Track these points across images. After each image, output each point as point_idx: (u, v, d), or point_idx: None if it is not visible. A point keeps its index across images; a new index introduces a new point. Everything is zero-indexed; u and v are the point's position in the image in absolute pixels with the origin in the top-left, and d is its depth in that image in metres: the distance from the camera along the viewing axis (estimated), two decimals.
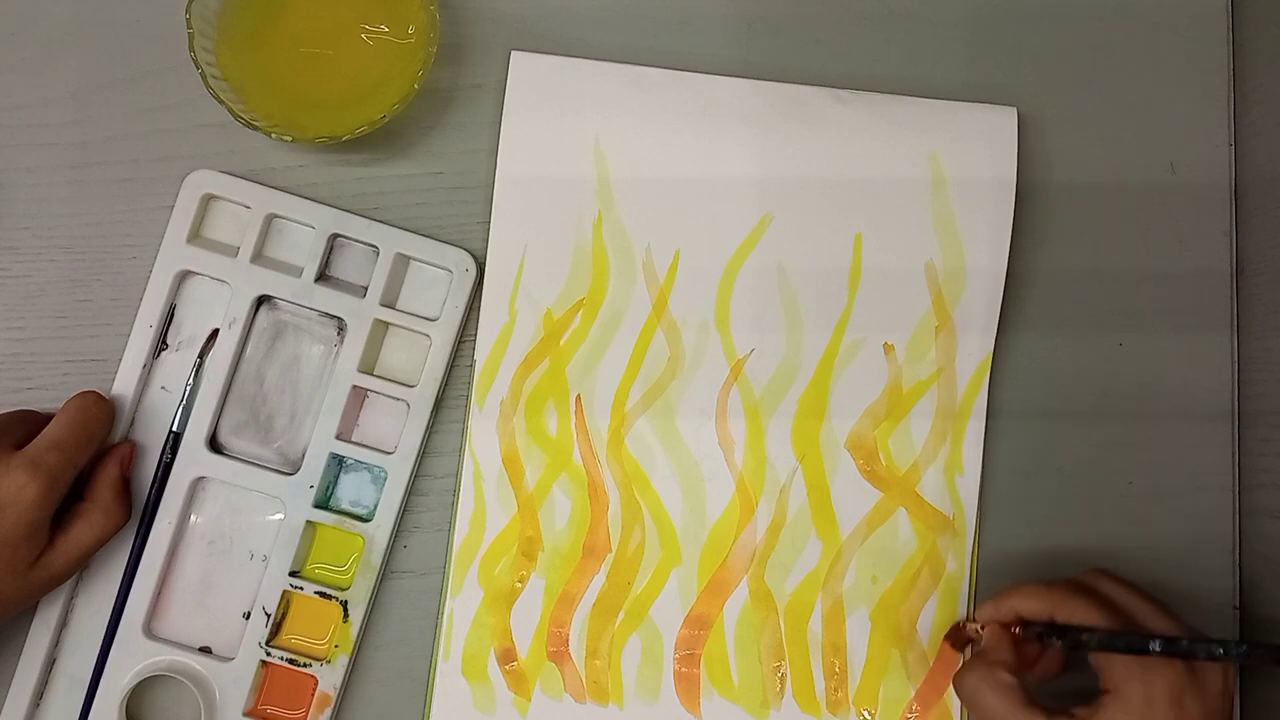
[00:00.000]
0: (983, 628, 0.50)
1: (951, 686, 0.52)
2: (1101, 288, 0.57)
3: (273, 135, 0.51)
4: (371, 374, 0.54)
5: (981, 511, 0.55)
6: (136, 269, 0.54)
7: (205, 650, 0.53)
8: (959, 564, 0.55)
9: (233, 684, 0.52)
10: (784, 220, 0.55)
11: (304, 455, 0.53)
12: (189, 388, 0.53)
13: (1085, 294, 0.57)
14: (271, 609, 0.52)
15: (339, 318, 0.54)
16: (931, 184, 0.56)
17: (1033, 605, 0.48)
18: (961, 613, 0.54)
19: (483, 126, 0.56)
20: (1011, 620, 0.49)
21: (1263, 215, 0.57)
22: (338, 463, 0.54)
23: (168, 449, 0.53)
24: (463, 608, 0.53)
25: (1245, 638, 0.43)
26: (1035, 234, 0.57)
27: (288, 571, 0.52)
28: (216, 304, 0.54)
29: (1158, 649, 0.43)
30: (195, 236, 0.54)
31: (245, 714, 0.52)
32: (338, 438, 0.53)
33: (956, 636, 0.53)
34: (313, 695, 0.52)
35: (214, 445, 0.53)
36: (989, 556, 0.55)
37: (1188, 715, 0.44)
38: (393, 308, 0.54)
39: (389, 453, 0.53)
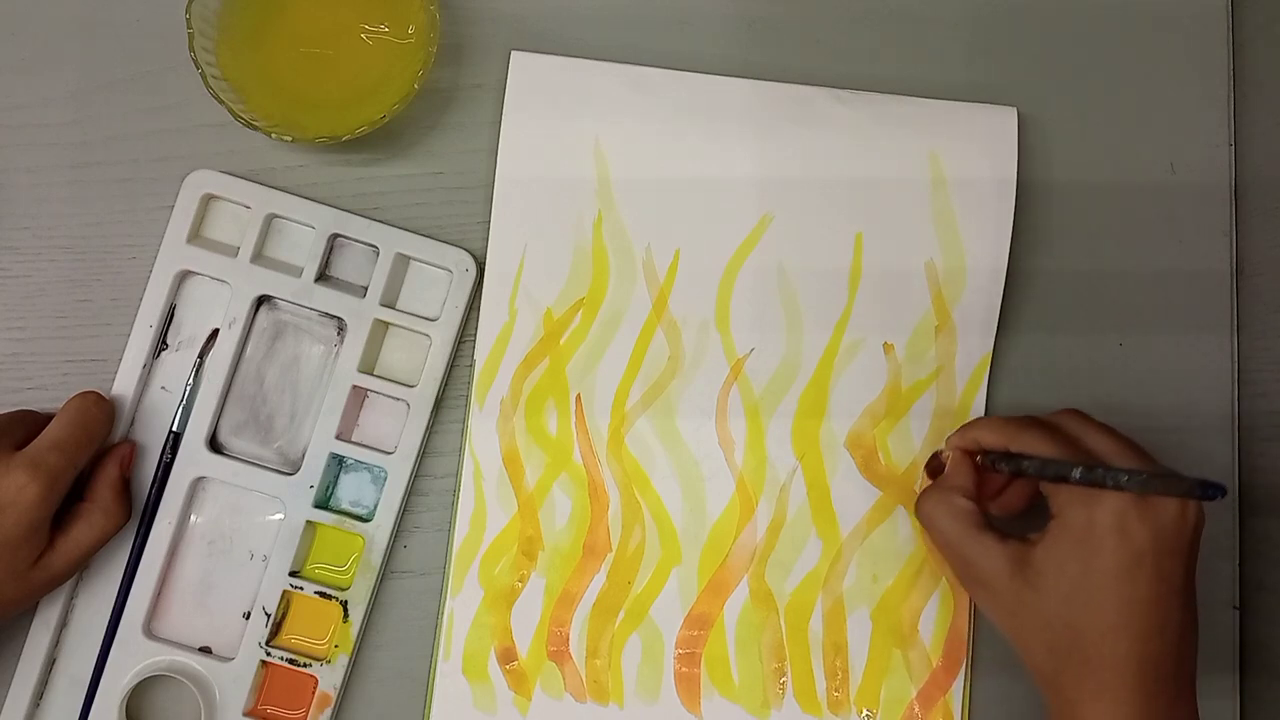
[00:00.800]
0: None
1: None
2: (1101, 288, 0.57)
3: (273, 135, 0.51)
4: (371, 374, 0.54)
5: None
6: (136, 269, 0.54)
7: (205, 650, 0.53)
8: None
9: (233, 684, 0.52)
10: (784, 220, 0.55)
11: (304, 455, 0.53)
12: (189, 388, 0.53)
13: (1085, 294, 0.57)
14: (271, 609, 0.52)
15: (339, 318, 0.54)
16: (931, 184, 0.56)
17: (992, 436, 0.49)
18: (962, 614, 0.54)
19: (483, 126, 0.56)
20: (974, 449, 0.50)
21: (1263, 215, 0.57)
22: (338, 463, 0.54)
23: (168, 449, 0.53)
24: (463, 607, 0.53)
25: (1147, 470, 0.42)
26: (1035, 234, 0.57)
27: (288, 571, 0.52)
28: (216, 304, 0.54)
29: (1077, 477, 0.43)
30: (195, 236, 0.54)
31: (245, 714, 0.52)
32: (338, 438, 0.53)
33: (934, 464, 0.54)
34: (313, 695, 0.52)
35: (214, 445, 0.53)
36: None
37: (1132, 540, 0.42)
38: (393, 308, 0.54)
39: (389, 453, 0.53)
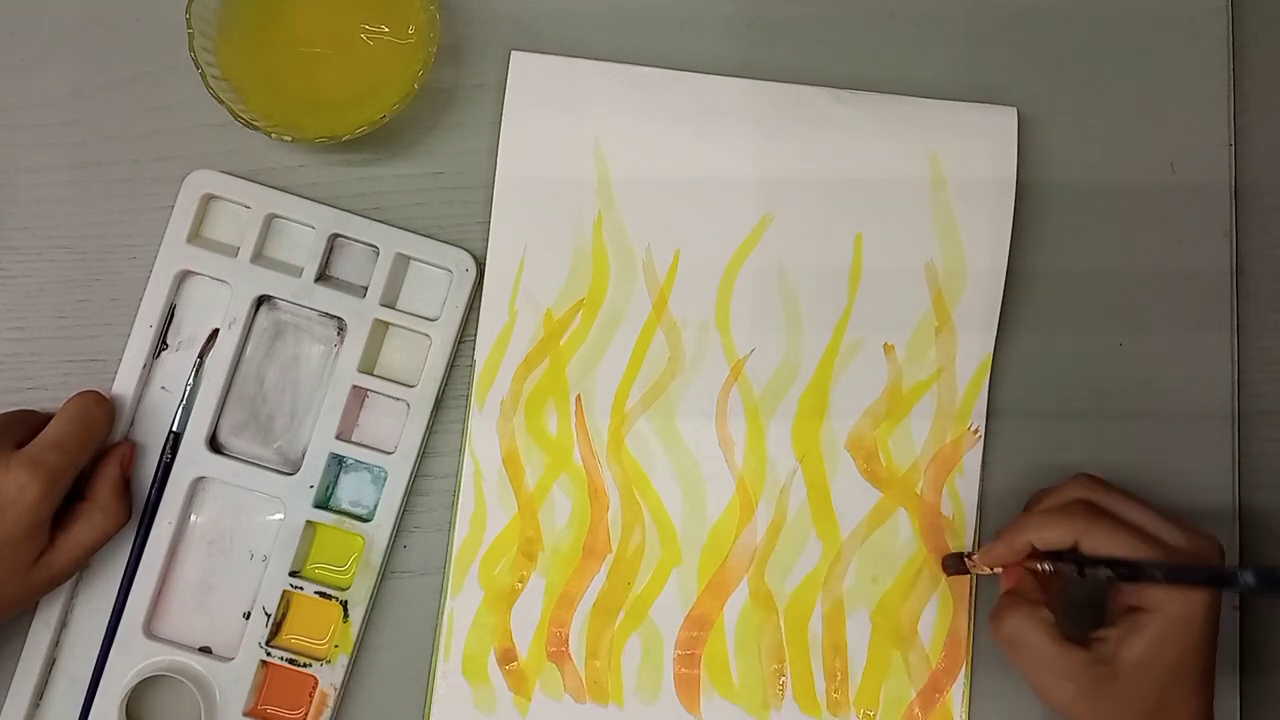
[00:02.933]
0: (993, 569, 0.50)
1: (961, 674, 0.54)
2: (1101, 288, 0.57)
3: (273, 135, 0.51)
4: (371, 374, 0.54)
5: (981, 511, 0.55)
6: (136, 269, 0.54)
7: (205, 650, 0.53)
8: None
9: (233, 684, 0.52)
10: (784, 220, 0.55)
11: (304, 455, 0.53)
12: (189, 388, 0.53)
13: (1085, 294, 0.57)
14: (271, 609, 0.52)
15: (339, 318, 0.54)
16: (931, 184, 0.56)
17: (1052, 536, 0.48)
18: (962, 615, 0.54)
19: (483, 126, 0.56)
20: (1028, 554, 0.49)
21: (1263, 215, 0.57)
22: (338, 463, 0.54)
23: (168, 449, 0.53)
24: (463, 608, 0.53)
25: (1268, 568, 0.44)
26: (1035, 234, 0.57)
27: (288, 571, 0.52)
28: (216, 304, 0.54)
29: (1251, 582, 0.43)
30: (195, 236, 0.54)
31: (245, 714, 0.52)
32: (338, 438, 0.53)
33: (954, 564, 0.53)
34: (313, 695, 0.52)
35: (214, 445, 0.53)
36: None
37: (1213, 624, 0.46)
38: (393, 308, 0.54)
39: (389, 453, 0.53)
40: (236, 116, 0.50)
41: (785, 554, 0.54)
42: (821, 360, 0.55)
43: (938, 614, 0.54)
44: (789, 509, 0.55)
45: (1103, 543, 0.46)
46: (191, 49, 0.50)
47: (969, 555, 0.52)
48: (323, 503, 0.53)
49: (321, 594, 0.52)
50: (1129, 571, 0.45)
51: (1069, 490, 0.50)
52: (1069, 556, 0.47)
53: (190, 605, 0.53)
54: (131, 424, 0.53)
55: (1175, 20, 0.59)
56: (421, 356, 0.54)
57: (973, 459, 0.55)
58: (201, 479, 0.53)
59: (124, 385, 0.53)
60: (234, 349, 0.53)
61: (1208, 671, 0.46)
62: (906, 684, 0.54)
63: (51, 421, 0.50)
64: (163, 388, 0.54)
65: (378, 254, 0.54)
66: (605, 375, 0.55)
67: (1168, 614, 0.45)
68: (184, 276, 0.54)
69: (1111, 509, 0.48)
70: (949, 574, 0.54)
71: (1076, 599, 0.50)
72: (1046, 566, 0.48)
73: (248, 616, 0.53)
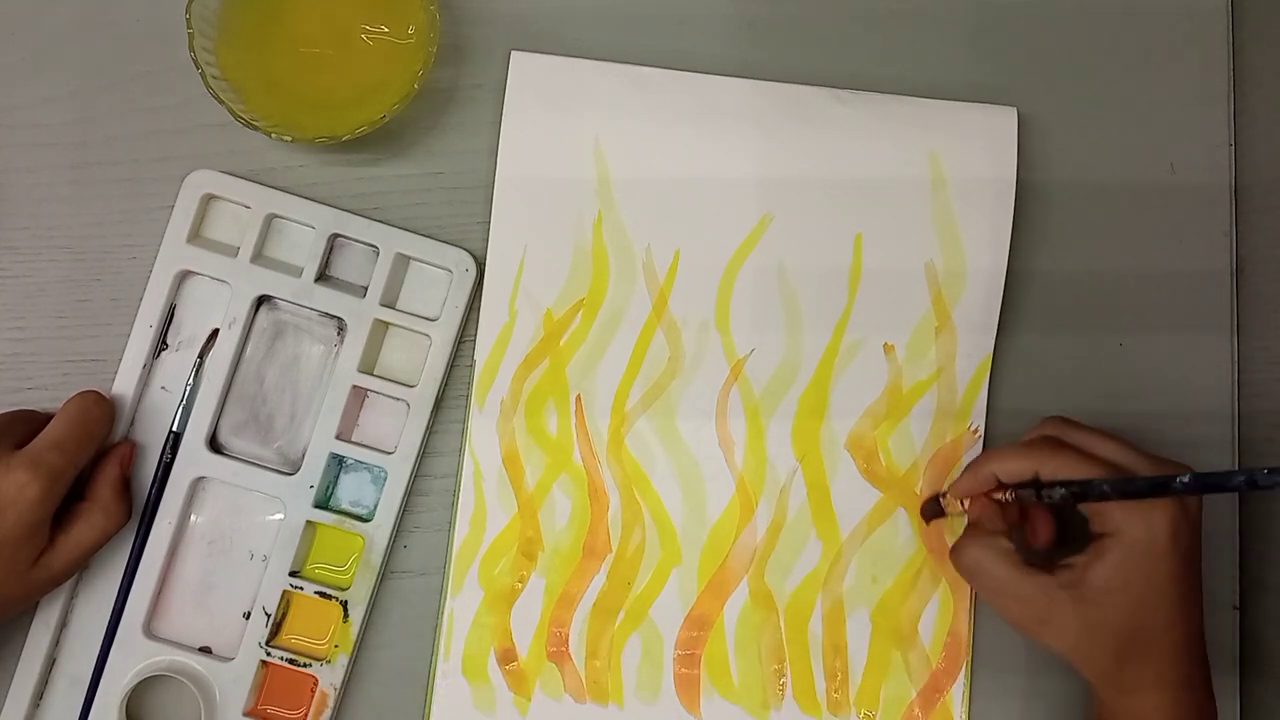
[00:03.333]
0: (964, 502, 0.51)
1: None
2: (1101, 288, 0.57)
3: (273, 135, 0.51)
4: (371, 374, 0.54)
5: None
6: (136, 269, 0.54)
7: (205, 650, 0.53)
8: None
9: (233, 684, 0.52)
10: (784, 220, 0.55)
11: (304, 455, 0.53)
12: (189, 388, 0.53)
13: (1085, 294, 0.57)
14: (271, 609, 0.52)
15: (339, 318, 0.54)
16: (931, 184, 0.56)
17: (1014, 466, 0.49)
18: (962, 615, 0.54)
19: (483, 126, 0.56)
20: (992, 487, 0.50)
21: (1263, 215, 0.57)
22: (338, 463, 0.54)
23: (168, 449, 0.53)
24: (463, 608, 0.53)
25: (1193, 472, 0.44)
26: (1035, 234, 0.57)
27: (288, 571, 0.52)
28: (216, 304, 0.54)
29: (1182, 485, 0.44)
30: (195, 236, 0.54)
31: (245, 714, 0.52)
32: (338, 438, 0.53)
33: (932, 508, 0.53)
34: (313, 695, 0.52)
35: (214, 445, 0.53)
36: None
37: (1181, 545, 0.45)
38: (393, 308, 0.54)
39: (389, 453, 0.53)
40: (236, 116, 0.50)
41: (785, 554, 0.54)
42: (821, 360, 0.55)
43: (938, 614, 0.54)
44: (789, 509, 0.55)
45: (1061, 470, 0.47)
46: (191, 49, 0.50)
47: (942, 495, 0.52)
48: (323, 503, 0.53)
49: (321, 594, 0.52)
50: (1080, 490, 0.46)
51: (1038, 429, 0.50)
52: (1029, 485, 0.48)
53: (190, 605, 0.53)
54: (131, 424, 0.53)
55: (1175, 20, 0.59)
56: (421, 356, 0.54)
57: (972, 459, 0.55)
58: (201, 479, 0.53)
59: (124, 385, 0.53)
60: (234, 349, 0.53)
61: (1187, 599, 0.46)
62: (907, 684, 0.54)
63: (51, 421, 0.50)
64: (163, 388, 0.54)
65: (378, 254, 0.54)
66: (605, 375, 0.55)
67: (1129, 537, 0.45)
68: (184, 276, 0.54)
69: (1077, 443, 0.48)
70: (928, 520, 0.54)
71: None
72: (1009, 496, 0.49)
73: (248, 616, 0.53)
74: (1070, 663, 0.47)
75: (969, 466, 0.51)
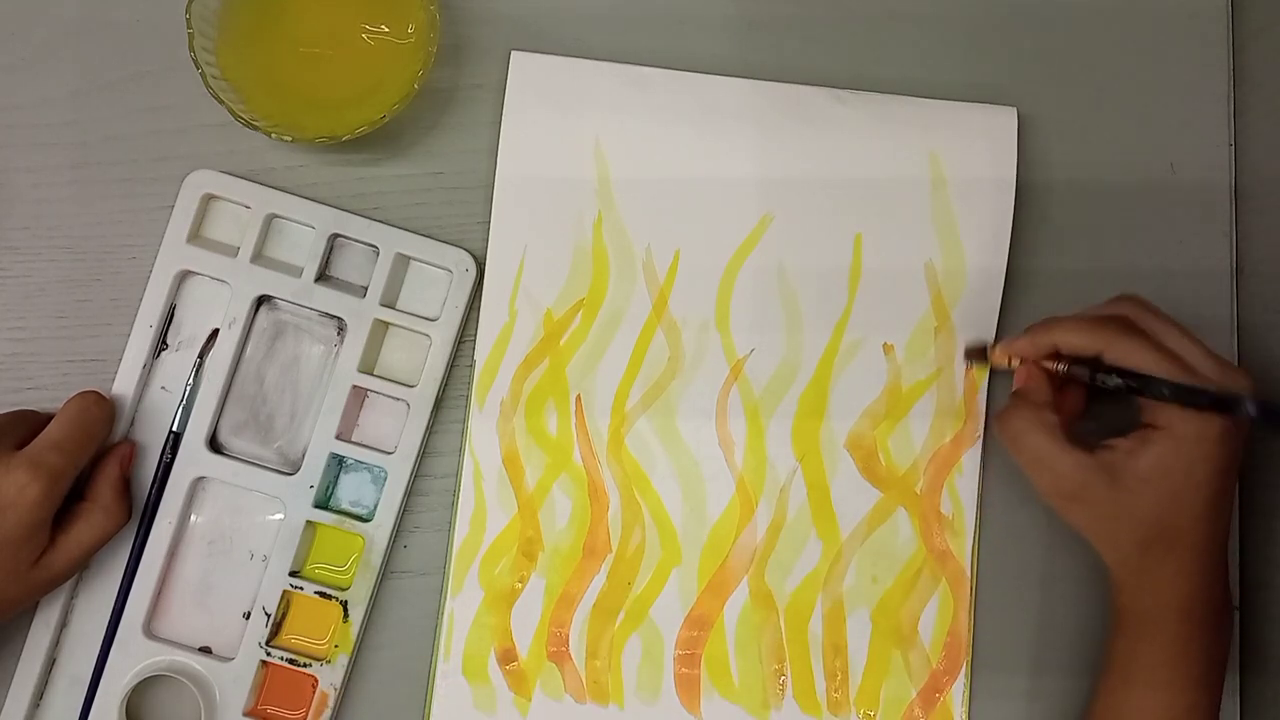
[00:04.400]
0: (1012, 360, 0.50)
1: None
2: (1101, 288, 0.57)
3: (273, 135, 0.51)
4: (371, 374, 0.54)
5: (981, 510, 0.55)
6: (136, 269, 0.54)
7: (205, 650, 0.53)
8: (959, 563, 0.55)
9: (233, 684, 0.52)
10: (784, 220, 0.55)
11: (304, 455, 0.53)
12: (189, 388, 0.53)
13: (1085, 294, 0.57)
14: (271, 609, 0.52)
15: (339, 318, 0.54)
16: (931, 184, 0.56)
17: (1077, 341, 0.48)
18: (962, 615, 0.54)
19: (483, 126, 0.56)
20: (1049, 355, 0.49)
21: (1263, 215, 0.57)
22: (338, 463, 0.54)
23: (168, 449, 0.53)
24: (463, 608, 0.53)
25: (1264, 400, 0.45)
26: (1035, 234, 0.57)
27: (288, 571, 0.52)
28: (216, 304, 0.54)
29: (1252, 411, 0.45)
30: (195, 236, 0.54)
31: (245, 714, 0.52)
32: (338, 438, 0.53)
33: (977, 353, 0.53)
34: (313, 695, 0.52)
35: (214, 445, 0.53)
36: (989, 556, 0.55)
37: (1226, 450, 0.46)
38: (393, 308, 0.54)
39: (389, 453, 0.53)
40: (236, 116, 0.50)
41: (785, 554, 0.54)
42: (821, 360, 0.55)
43: (938, 614, 0.54)
44: (789, 509, 0.55)
45: (1126, 356, 0.46)
46: (191, 49, 0.50)
47: (992, 346, 0.52)
48: (323, 503, 0.53)
49: (321, 594, 0.53)
50: (1138, 384, 0.46)
51: (1112, 305, 0.50)
52: (1086, 362, 0.48)
53: (190, 605, 0.53)
54: (132, 424, 0.53)
55: (1175, 20, 0.59)
56: (421, 356, 0.54)
57: (972, 458, 0.55)
58: (201, 479, 0.53)
59: (124, 385, 0.53)
60: (234, 349, 0.53)
61: (1218, 503, 0.47)
62: (907, 684, 0.54)
63: (51, 422, 0.50)
64: (163, 388, 0.54)
65: (378, 254, 0.54)
66: (605, 375, 0.55)
67: (1177, 433, 0.46)
68: (184, 276, 0.54)
69: (1148, 328, 0.48)
70: (970, 361, 0.54)
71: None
72: (1061, 367, 0.48)
73: (248, 616, 0.53)
74: (1094, 543, 0.48)
75: (1031, 328, 0.50)
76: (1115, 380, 0.46)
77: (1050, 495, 0.48)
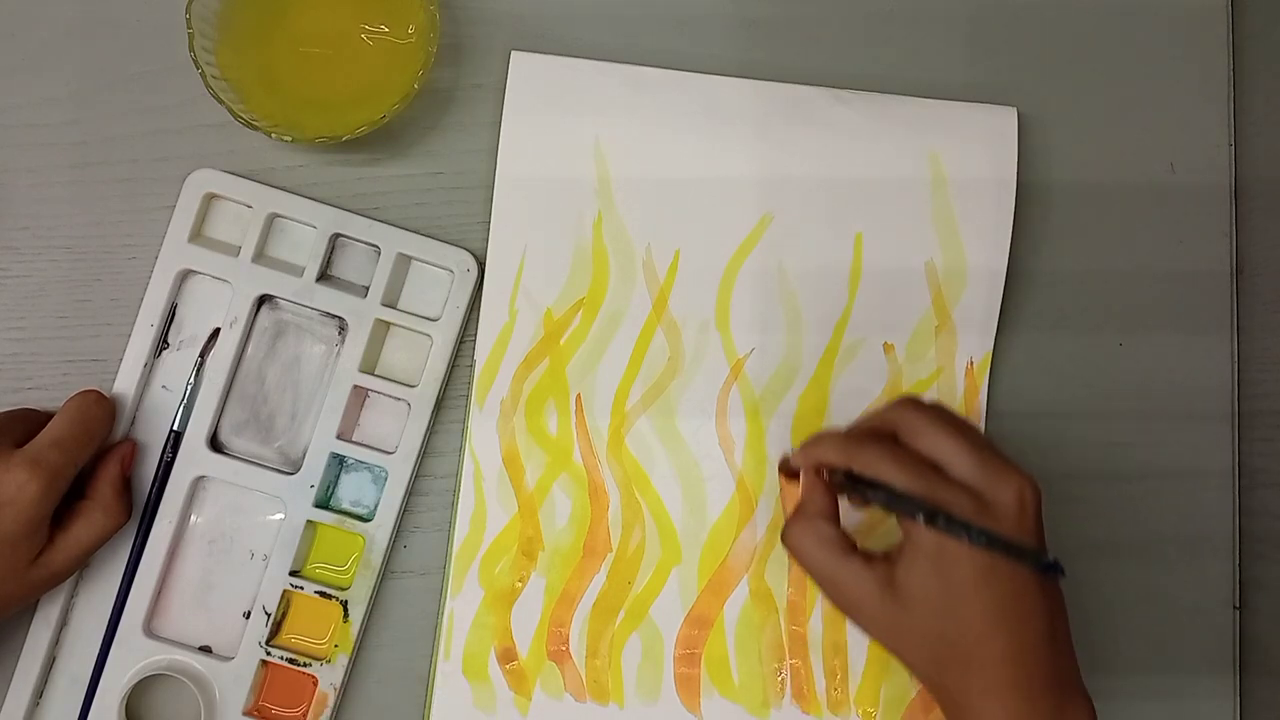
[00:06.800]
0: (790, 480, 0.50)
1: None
2: (1101, 288, 0.57)
3: (273, 135, 0.51)
4: (372, 374, 0.54)
5: None
6: (137, 269, 0.54)
7: (205, 649, 0.53)
8: None
9: (233, 683, 0.52)
10: (784, 220, 0.55)
11: (305, 455, 0.53)
12: (190, 387, 0.53)
13: (1085, 294, 0.57)
14: (271, 608, 0.52)
15: (340, 317, 0.54)
16: (931, 184, 0.56)
17: (831, 455, 0.47)
18: None
19: (483, 126, 0.56)
20: (819, 468, 0.48)
21: (1263, 215, 0.57)
22: (338, 462, 0.54)
23: (168, 448, 0.53)
24: (463, 607, 0.53)
25: (990, 531, 0.42)
26: (1035, 234, 0.57)
27: (288, 571, 0.52)
28: (218, 303, 0.54)
29: (922, 522, 0.42)
30: (197, 236, 0.54)
31: (245, 713, 0.52)
32: (338, 437, 0.53)
33: (786, 468, 0.52)
34: (312, 695, 0.52)
35: (215, 444, 0.53)
36: None
37: (982, 565, 0.43)
38: (394, 308, 0.54)
39: (389, 453, 0.53)
40: (236, 116, 0.50)
41: (785, 553, 0.54)
42: (821, 360, 0.55)
43: None
44: (789, 508, 0.55)
45: (869, 467, 0.45)
46: (191, 49, 0.50)
47: (788, 455, 0.51)
48: (323, 502, 0.53)
49: (321, 594, 0.53)
50: (881, 498, 0.44)
51: (886, 411, 0.47)
52: (848, 475, 0.46)
53: (190, 604, 0.53)
54: (132, 423, 0.53)
55: (1175, 20, 0.59)
56: (422, 356, 0.54)
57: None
58: (202, 478, 0.53)
59: (125, 384, 0.53)
60: (235, 348, 0.53)
61: (1004, 611, 0.43)
62: (907, 682, 0.54)
63: (52, 420, 0.50)
64: (164, 387, 0.54)
65: (379, 254, 0.54)
66: (605, 375, 0.55)
67: (922, 548, 0.43)
68: (185, 275, 0.54)
69: (910, 433, 0.45)
70: (785, 476, 0.53)
71: None
72: (834, 480, 0.47)
73: (248, 616, 0.53)
74: (896, 658, 0.46)
75: (807, 442, 0.48)
76: (868, 493, 0.45)
77: (836, 604, 0.46)
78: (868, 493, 0.45)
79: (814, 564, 0.46)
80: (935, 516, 0.42)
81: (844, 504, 0.48)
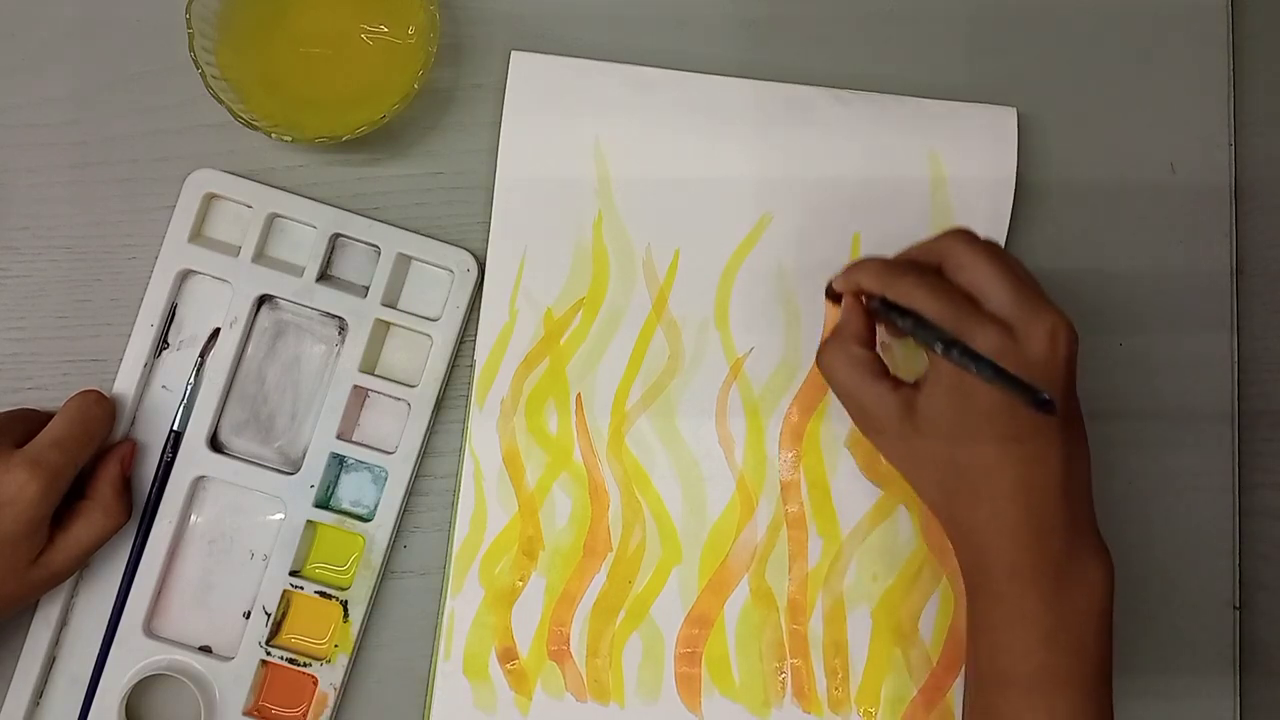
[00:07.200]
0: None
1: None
2: (1101, 288, 0.57)
3: (273, 135, 0.51)
4: (372, 374, 0.54)
5: None
6: (137, 269, 0.54)
7: (205, 649, 0.53)
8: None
9: (233, 683, 0.52)
10: (784, 220, 0.55)
11: (305, 455, 0.53)
12: (190, 387, 0.53)
13: (1085, 294, 0.57)
14: (271, 608, 0.52)
15: (340, 317, 0.54)
16: (931, 183, 0.56)
17: (869, 281, 0.47)
18: (963, 613, 0.54)
19: (483, 126, 0.56)
20: (858, 292, 0.49)
21: (1263, 215, 0.57)
22: (338, 462, 0.54)
23: (168, 448, 0.53)
24: (463, 607, 0.53)
25: (996, 366, 0.41)
26: (1035, 234, 0.57)
27: (288, 571, 0.52)
28: (218, 303, 0.54)
29: (939, 352, 0.43)
30: (197, 236, 0.54)
31: (245, 713, 0.52)
32: (338, 437, 0.53)
33: (830, 292, 0.52)
34: (312, 695, 0.52)
35: (215, 444, 0.53)
36: None
37: (995, 399, 0.43)
38: (394, 307, 0.54)
39: (389, 452, 0.53)
40: (236, 116, 0.50)
41: (785, 552, 0.54)
42: None
43: (938, 611, 0.54)
44: (789, 507, 0.55)
45: (903, 295, 0.45)
46: (191, 49, 0.50)
47: (832, 279, 0.51)
48: (323, 502, 0.53)
49: (321, 594, 0.52)
50: (912, 327, 0.44)
51: (934, 241, 0.47)
52: (882, 301, 0.47)
53: (190, 604, 0.53)
54: (132, 423, 0.53)
55: (1175, 20, 0.59)
56: (422, 356, 0.54)
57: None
58: (202, 478, 0.53)
59: (125, 384, 0.53)
60: (235, 348, 0.53)
61: (1011, 451, 0.44)
62: (907, 682, 0.54)
63: (52, 420, 0.50)
64: (164, 387, 0.54)
65: (379, 254, 0.54)
66: (605, 374, 0.55)
67: (942, 378, 0.44)
68: (185, 275, 0.54)
69: (951, 264, 0.46)
70: (834, 303, 0.51)
71: None
72: (873, 304, 0.48)
73: (248, 616, 0.53)
74: (910, 484, 0.48)
75: (848, 266, 0.49)
76: (900, 319, 0.45)
77: (859, 426, 0.48)
78: (899, 320, 0.45)
79: (842, 384, 0.47)
80: (951, 347, 0.42)
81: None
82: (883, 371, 0.47)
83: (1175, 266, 0.58)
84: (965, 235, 0.46)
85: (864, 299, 0.48)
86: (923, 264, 0.47)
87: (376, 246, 0.54)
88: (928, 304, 0.44)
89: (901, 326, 0.45)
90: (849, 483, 0.55)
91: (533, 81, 0.55)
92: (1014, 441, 0.44)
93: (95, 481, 0.50)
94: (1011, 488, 0.44)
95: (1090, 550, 0.46)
